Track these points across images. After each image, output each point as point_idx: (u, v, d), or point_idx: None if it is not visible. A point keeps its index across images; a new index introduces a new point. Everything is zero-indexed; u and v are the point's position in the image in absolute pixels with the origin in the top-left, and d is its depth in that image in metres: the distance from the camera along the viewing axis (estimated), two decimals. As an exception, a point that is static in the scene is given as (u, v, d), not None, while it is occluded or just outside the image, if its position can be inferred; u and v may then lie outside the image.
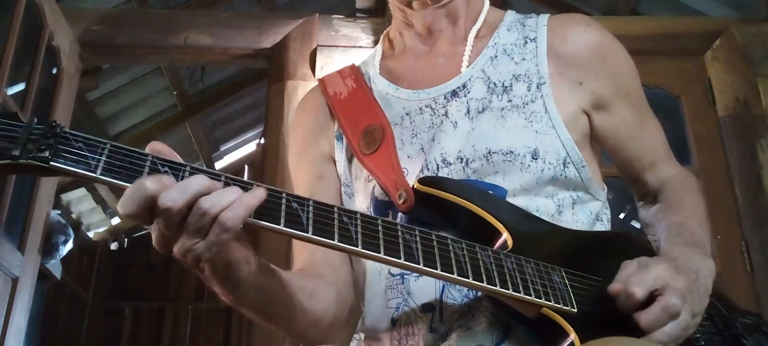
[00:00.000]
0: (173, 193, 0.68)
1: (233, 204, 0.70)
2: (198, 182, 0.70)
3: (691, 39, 2.95)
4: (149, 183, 0.68)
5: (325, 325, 0.99)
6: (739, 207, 2.67)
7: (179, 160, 0.74)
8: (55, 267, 3.99)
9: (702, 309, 0.88)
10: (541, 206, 0.98)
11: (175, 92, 4.75)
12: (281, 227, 0.73)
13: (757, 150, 2.73)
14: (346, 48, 2.92)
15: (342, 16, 3.02)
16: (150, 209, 0.68)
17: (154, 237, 0.72)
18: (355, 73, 1.16)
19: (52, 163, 0.66)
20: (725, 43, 2.90)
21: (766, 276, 2.56)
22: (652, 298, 0.82)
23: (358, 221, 0.78)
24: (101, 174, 0.67)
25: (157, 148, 0.74)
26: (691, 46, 2.95)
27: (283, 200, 0.75)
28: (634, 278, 0.84)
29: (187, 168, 0.72)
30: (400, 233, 0.80)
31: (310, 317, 0.95)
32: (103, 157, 0.68)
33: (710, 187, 2.73)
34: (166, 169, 0.70)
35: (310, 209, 0.76)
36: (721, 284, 2.52)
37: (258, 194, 0.72)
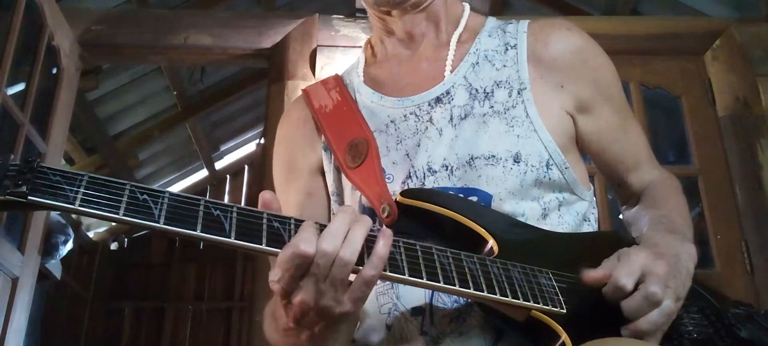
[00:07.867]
0: (328, 242, 0.73)
1: (372, 260, 0.75)
2: (340, 228, 0.74)
3: (691, 39, 2.95)
4: (300, 241, 0.72)
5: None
6: (739, 207, 2.67)
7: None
8: (55, 267, 3.98)
9: (685, 293, 0.88)
10: (527, 209, 0.98)
11: (175, 92, 4.76)
12: (263, 247, 0.75)
13: (757, 150, 2.72)
14: (346, 48, 2.91)
15: (342, 16, 3.01)
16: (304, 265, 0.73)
17: (301, 297, 0.74)
18: (339, 84, 1.16)
19: (29, 197, 0.66)
20: (725, 43, 2.89)
21: (766, 276, 2.55)
22: (636, 286, 0.83)
23: None
24: (80, 205, 0.68)
25: (266, 198, 0.78)
26: (691, 46, 2.95)
27: (264, 219, 0.76)
28: (620, 270, 0.83)
29: (167, 194, 0.73)
30: None
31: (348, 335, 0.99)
32: (81, 189, 0.69)
33: (710, 187, 2.73)
34: (144, 196, 0.71)
35: (292, 226, 0.77)
36: (721, 284, 2.52)
37: (387, 239, 0.77)
